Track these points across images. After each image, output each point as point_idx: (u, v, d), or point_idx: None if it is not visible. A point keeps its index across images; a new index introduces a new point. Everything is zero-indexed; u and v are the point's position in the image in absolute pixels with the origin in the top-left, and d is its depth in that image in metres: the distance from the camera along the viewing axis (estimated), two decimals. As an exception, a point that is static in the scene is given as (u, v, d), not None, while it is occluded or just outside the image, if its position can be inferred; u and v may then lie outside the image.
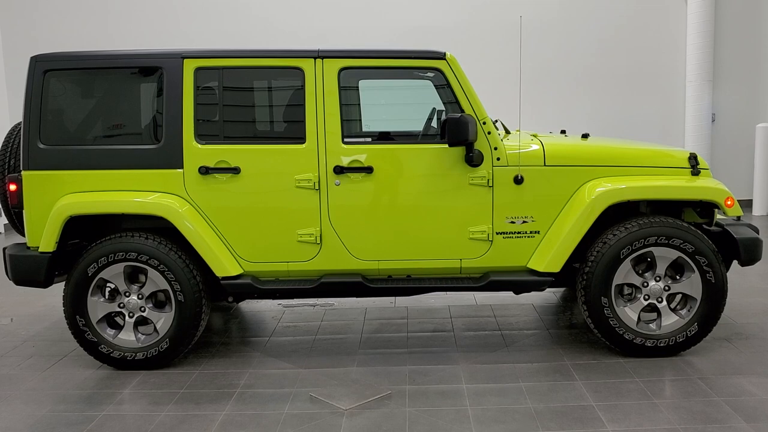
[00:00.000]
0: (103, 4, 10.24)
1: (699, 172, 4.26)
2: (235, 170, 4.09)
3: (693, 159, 4.29)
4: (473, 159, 4.05)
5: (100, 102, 4.22)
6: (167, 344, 4.13)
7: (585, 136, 4.76)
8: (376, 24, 10.09)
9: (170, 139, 4.08)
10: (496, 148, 4.13)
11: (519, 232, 4.18)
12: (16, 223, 4.40)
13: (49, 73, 4.09)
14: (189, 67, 4.09)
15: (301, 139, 4.11)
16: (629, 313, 4.15)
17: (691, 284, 4.11)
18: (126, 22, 10.22)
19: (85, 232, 4.33)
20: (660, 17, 10.26)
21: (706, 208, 4.38)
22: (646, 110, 10.33)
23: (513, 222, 4.17)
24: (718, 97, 10.24)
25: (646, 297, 4.15)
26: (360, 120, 5.04)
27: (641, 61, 10.28)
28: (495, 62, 9.81)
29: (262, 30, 10.11)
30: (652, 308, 4.18)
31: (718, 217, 4.44)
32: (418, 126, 4.75)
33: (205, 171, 4.08)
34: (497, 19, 10.09)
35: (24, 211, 4.15)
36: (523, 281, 4.19)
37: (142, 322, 4.21)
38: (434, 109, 4.57)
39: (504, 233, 4.17)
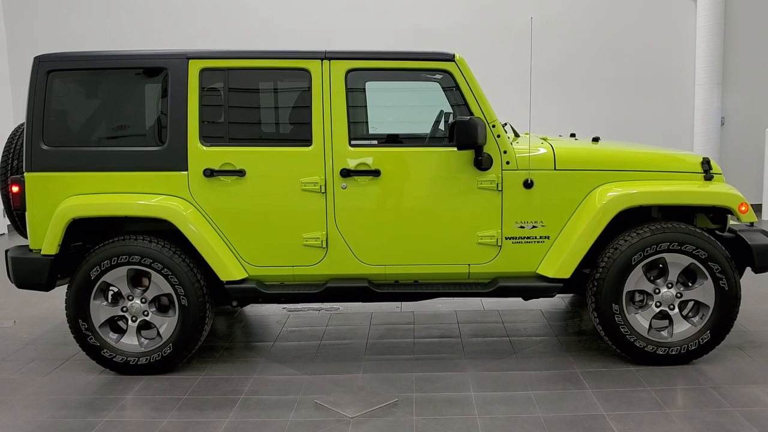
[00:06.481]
0: (108, 4, 10.21)
1: (712, 176, 4.19)
2: (240, 173, 4.03)
3: (706, 164, 4.22)
4: (482, 162, 3.99)
5: (104, 103, 4.17)
6: (170, 349, 4.08)
7: (596, 139, 4.69)
8: (381, 25, 10.03)
9: (174, 140, 4.02)
10: (505, 152, 4.06)
11: (528, 237, 4.11)
12: (19, 225, 4.35)
13: (52, 74, 4.04)
14: (194, 67, 4.03)
15: (307, 141, 4.05)
16: (640, 321, 4.07)
17: (704, 291, 4.04)
18: (130, 21, 10.18)
19: (89, 235, 4.28)
20: (668, 19, 10.16)
21: (719, 213, 4.31)
22: (655, 113, 10.23)
23: (522, 227, 4.10)
24: (728, 101, 10.14)
25: (658, 304, 4.08)
26: (367, 122, 4.97)
27: (650, 63, 10.18)
28: (500, 64, 9.72)
29: (267, 30, 10.05)
30: (663, 315, 4.10)
31: (731, 222, 4.37)
32: (426, 129, 4.69)
33: (209, 173, 4.02)
34: (503, 21, 10.01)
35: (26, 213, 4.10)
36: (532, 287, 4.12)
37: (145, 326, 4.15)
38: (442, 111, 4.51)
39: (513, 238, 4.10)
